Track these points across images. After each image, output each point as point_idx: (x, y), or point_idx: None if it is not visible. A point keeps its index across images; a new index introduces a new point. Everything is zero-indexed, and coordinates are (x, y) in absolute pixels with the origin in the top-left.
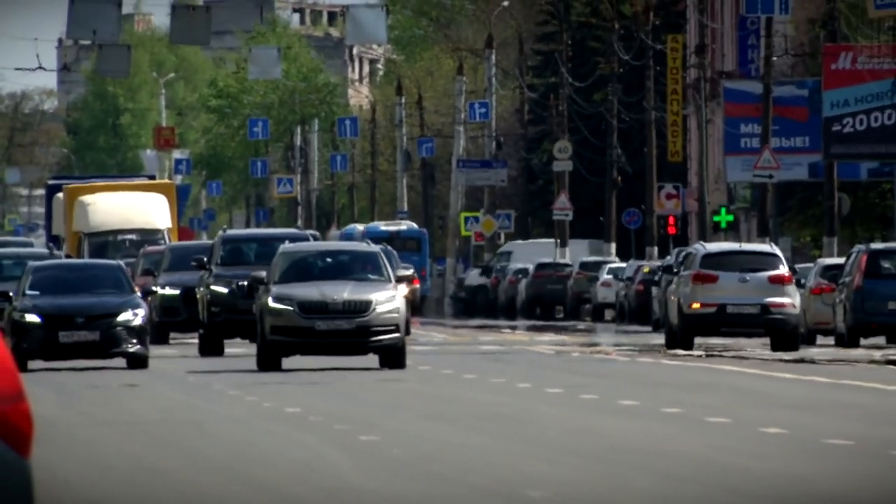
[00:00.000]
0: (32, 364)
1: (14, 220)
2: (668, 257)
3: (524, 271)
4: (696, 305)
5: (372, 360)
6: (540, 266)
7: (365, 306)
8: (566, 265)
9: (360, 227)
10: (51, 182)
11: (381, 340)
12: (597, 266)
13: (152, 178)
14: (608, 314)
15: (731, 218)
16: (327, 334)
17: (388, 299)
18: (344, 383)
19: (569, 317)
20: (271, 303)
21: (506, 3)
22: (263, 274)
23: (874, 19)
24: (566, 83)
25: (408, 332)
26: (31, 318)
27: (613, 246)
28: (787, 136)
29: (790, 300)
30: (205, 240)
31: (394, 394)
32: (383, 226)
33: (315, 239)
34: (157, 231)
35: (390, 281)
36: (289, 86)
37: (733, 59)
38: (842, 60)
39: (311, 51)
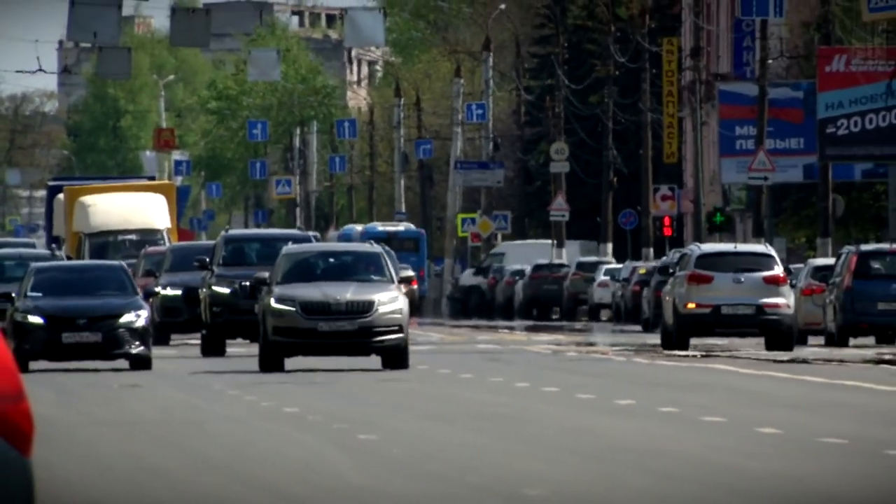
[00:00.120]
0: (34, 365)
1: (15, 220)
2: (665, 258)
3: (521, 272)
4: (691, 306)
5: (374, 360)
6: (537, 267)
7: (367, 307)
8: (563, 266)
9: (358, 227)
10: (51, 183)
11: (383, 341)
12: (593, 267)
13: (152, 179)
14: (604, 314)
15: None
16: (330, 335)
17: (391, 300)
18: (342, 383)
19: (565, 317)
20: (274, 303)
21: (503, 6)
22: (266, 275)
23: (868, 22)
24: (563, 85)
25: None
26: (34, 319)
27: (610, 247)
28: (781, 138)
29: (785, 301)
30: (204, 240)
31: (392, 393)
32: (381, 226)
33: (316, 240)
34: (156, 231)
35: (393, 282)
36: (288, 88)
37: (728, 61)
38: (836, 63)
39: (310, 53)
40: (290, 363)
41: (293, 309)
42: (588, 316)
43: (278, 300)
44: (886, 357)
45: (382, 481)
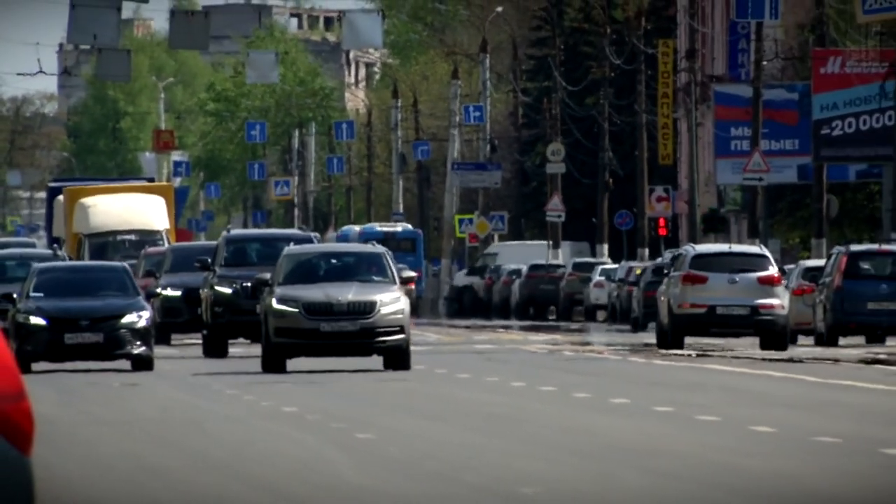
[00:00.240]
0: (36, 366)
1: (15, 221)
2: (660, 259)
3: (518, 272)
4: (685, 306)
5: (376, 361)
6: (533, 267)
7: (369, 307)
8: (559, 266)
9: (356, 228)
10: (51, 184)
11: (385, 342)
12: (589, 267)
13: (151, 180)
14: (600, 314)
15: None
16: (332, 336)
17: (393, 300)
18: (340, 383)
19: (562, 317)
20: (276, 304)
21: (500, 9)
22: (268, 275)
23: (862, 24)
24: (559, 87)
25: None
26: (36, 320)
27: (606, 247)
28: (776, 139)
29: (779, 301)
30: (203, 241)
31: (390, 393)
32: (379, 227)
33: (316, 240)
34: (155, 232)
35: (395, 282)
36: (286, 89)
37: (723, 63)
38: (831, 65)
39: (309, 55)
40: (292, 364)
41: (295, 310)
42: (584, 316)
43: (280, 301)
44: (881, 357)
45: (381, 480)
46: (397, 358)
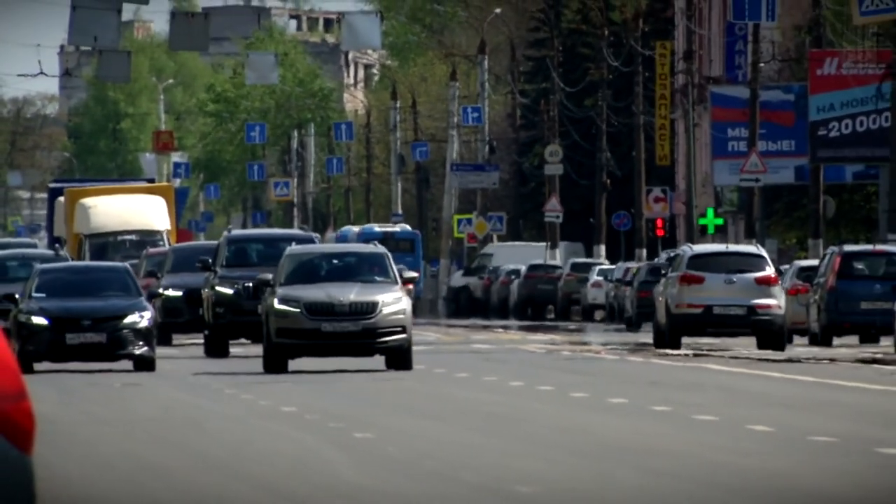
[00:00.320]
0: (39, 366)
1: (16, 221)
2: (657, 259)
3: (516, 272)
4: (683, 306)
5: (378, 361)
6: (532, 267)
7: (371, 308)
8: (557, 266)
9: (354, 228)
10: (52, 185)
11: (387, 342)
12: (587, 267)
13: (151, 181)
14: (598, 314)
15: (718, 221)
16: (333, 336)
17: (395, 301)
18: (338, 382)
19: (559, 317)
20: (277, 305)
21: (498, 10)
22: (269, 276)
23: (859, 26)
24: (557, 88)
25: None
26: (38, 320)
27: (603, 248)
28: (773, 140)
29: (776, 301)
30: (203, 241)
31: (388, 392)
32: (378, 227)
33: (317, 241)
34: (156, 232)
35: (396, 282)
36: (285, 91)
37: (721, 64)
38: (827, 66)
39: (308, 56)
40: (293, 364)
41: (297, 310)
42: (582, 316)
43: (282, 301)
44: (878, 356)
45: (379, 479)
46: (399, 358)
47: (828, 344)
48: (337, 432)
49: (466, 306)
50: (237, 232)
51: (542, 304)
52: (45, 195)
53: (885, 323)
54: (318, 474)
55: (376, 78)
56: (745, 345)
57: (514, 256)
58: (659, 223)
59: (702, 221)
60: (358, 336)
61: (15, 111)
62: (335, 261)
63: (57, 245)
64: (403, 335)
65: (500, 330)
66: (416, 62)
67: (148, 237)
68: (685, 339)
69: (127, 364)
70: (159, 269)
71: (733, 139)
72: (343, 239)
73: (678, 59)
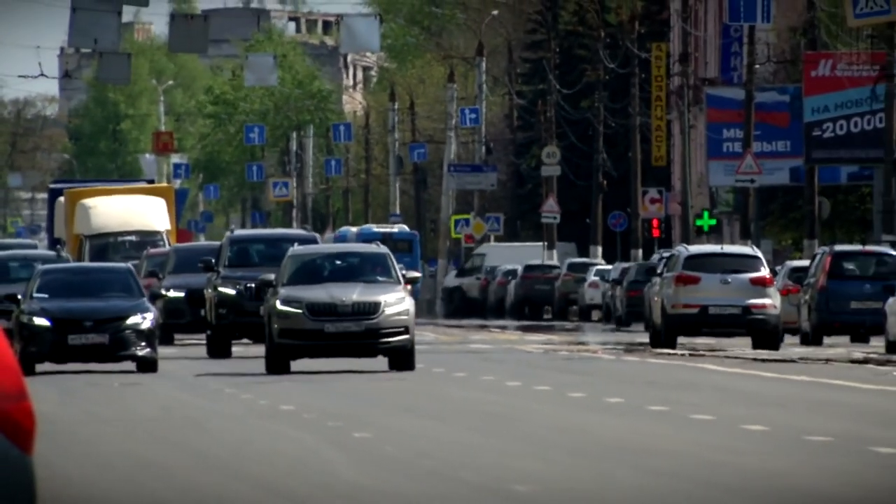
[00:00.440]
0: (41, 367)
1: (16, 222)
2: (653, 258)
3: (513, 273)
4: (679, 306)
5: (381, 362)
6: (528, 268)
7: (374, 308)
8: (554, 267)
9: (353, 229)
10: (53, 186)
11: (389, 342)
12: (584, 268)
13: (151, 182)
14: (595, 314)
15: (713, 221)
16: (336, 336)
17: (398, 301)
18: (337, 382)
19: (556, 317)
20: (279, 305)
21: (495, 13)
22: (272, 276)
23: (853, 28)
24: (554, 90)
25: None
26: (40, 321)
27: (600, 248)
28: (768, 141)
29: (771, 301)
30: (202, 241)
31: (387, 392)
32: (376, 228)
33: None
34: (156, 233)
35: (399, 283)
36: (284, 92)
37: (716, 66)
38: (822, 67)
39: (307, 58)
40: (296, 365)
41: (299, 311)
42: (579, 316)
43: (284, 302)
44: (871, 356)
45: (378, 479)
46: (402, 358)
47: (818, 343)
48: (336, 432)
49: (460, 306)
50: (240, 232)
51: (539, 304)
52: (45, 196)
53: (874, 323)
54: (317, 474)
55: (375, 80)
56: (741, 345)
57: (506, 257)
58: (655, 224)
59: (698, 223)
60: (360, 337)
61: (15, 112)
62: (337, 261)
63: (59, 246)
64: (406, 336)
65: (498, 330)
66: (415, 64)
67: (148, 238)
68: (681, 339)
69: (129, 365)
70: (160, 270)
71: (728, 140)
72: (341, 239)
73: (674, 60)
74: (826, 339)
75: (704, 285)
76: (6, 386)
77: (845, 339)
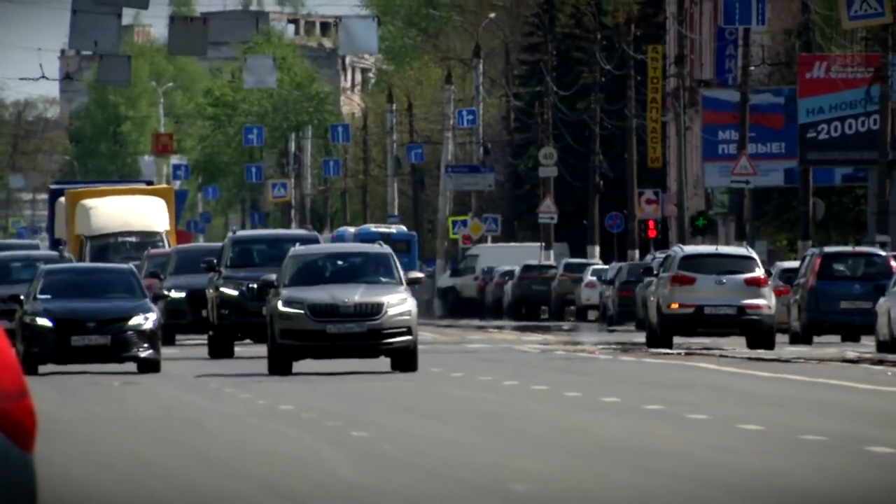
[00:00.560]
0: (43, 368)
1: (18, 223)
2: (646, 259)
3: (510, 273)
4: (674, 306)
5: (383, 363)
6: (526, 268)
7: (376, 309)
8: (551, 267)
9: (351, 229)
10: (53, 187)
11: (392, 343)
12: (581, 268)
13: (150, 183)
14: (591, 315)
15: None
16: (338, 337)
17: (400, 302)
18: (335, 381)
19: (553, 317)
20: (281, 306)
21: (493, 15)
22: (273, 277)
23: (848, 30)
24: (551, 92)
25: None
26: (43, 322)
27: (597, 249)
28: (763, 143)
29: (765, 301)
30: (201, 242)
31: (384, 392)
32: (374, 228)
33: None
34: (156, 234)
35: (401, 283)
36: (283, 94)
37: (711, 68)
38: (816, 69)
39: (305, 60)
40: (298, 366)
41: (301, 311)
42: (576, 316)
43: (286, 303)
44: (865, 356)
45: (376, 478)
46: (405, 359)
47: (809, 343)
48: (334, 431)
49: (454, 306)
50: (242, 233)
51: (536, 304)
52: (46, 197)
53: (864, 323)
54: (316, 473)
55: (373, 81)
56: (737, 345)
57: (499, 257)
58: (651, 224)
59: (700, 223)
60: (363, 337)
61: (17, 114)
62: (339, 261)
63: (61, 247)
64: (409, 336)
65: (495, 330)
66: (412, 66)
67: (148, 238)
68: (677, 339)
69: (131, 366)
70: (161, 271)
71: (724, 142)
72: (339, 239)
73: (670, 62)
74: (816, 339)
75: (700, 286)
76: (7, 385)
77: (835, 338)
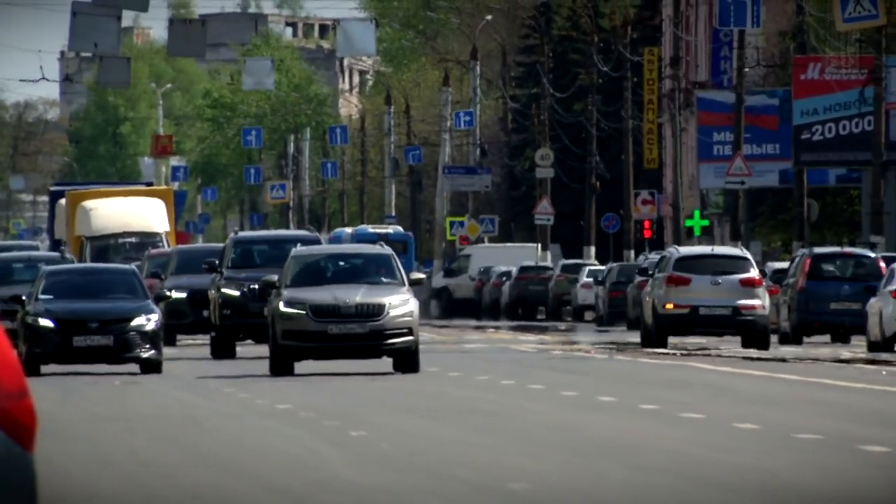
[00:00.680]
0: (45, 369)
1: (18, 223)
2: (639, 259)
3: (507, 274)
4: (669, 306)
5: (385, 363)
6: (523, 269)
7: (378, 310)
8: (548, 268)
9: (348, 230)
10: (53, 188)
11: (394, 344)
12: (577, 269)
13: (150, 184)
14: (588, 315)
15: (704, 223)
16: (340, 338)
17: (402, 303)
18: (333, 381)
19: (550, 317)
20: (283, 307)
21: (490, 17)
22: (275, 277)
23: (842, 32)
24: (547, 93)
25: None
26: (45, 322)
27: (593, 249)
28: (758, 144)
29: (760, 302)
30: (202, 243)
31: (382, 391)
32: (371, 229)
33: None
34: (155, 234)
35: (403, 284)
36: (281, 96)
37: (707, 70)
38: (811, 71)
39: (303, 62)
40: (300, 366)
41: (303, 312)
42: (572, 316)
43: (287, 304)
44: (858, 355)
45: (373, 476)
46: (406, 360)
47: (798, 343)
48: (332, 430)
49: (447, 307)
50: (243, 233)
51: (532, 304)
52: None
53: (854, 323)
54: (314, 471)
55: (370, 83)
56: (731, 344)
57: (492, 258)
58: (647, 225)
59: (688, 223)
60: (365, 338)
61: (17, 116)
62: (341, 262)
63: (62, 248)
64: (411, 337)
65: (492, 330)
66: (410, 68)
67: (148, 239)
68: (672, 339)
69: (133, 367)
70: (162, 271)
71: (719, 143)
72: (337, 240)
73: (665, 64)
74: (806, 339)
75: (695, 286)
76: (7, 384)
77: (825, 338)
